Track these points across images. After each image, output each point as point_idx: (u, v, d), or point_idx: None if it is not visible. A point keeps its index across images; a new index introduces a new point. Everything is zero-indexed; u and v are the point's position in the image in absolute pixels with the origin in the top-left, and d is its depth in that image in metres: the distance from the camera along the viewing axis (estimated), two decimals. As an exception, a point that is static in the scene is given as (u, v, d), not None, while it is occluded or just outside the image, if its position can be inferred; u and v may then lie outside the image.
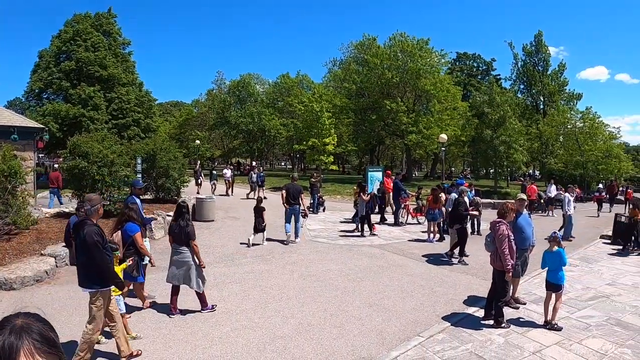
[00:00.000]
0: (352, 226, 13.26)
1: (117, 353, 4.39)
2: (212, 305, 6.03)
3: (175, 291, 5.88)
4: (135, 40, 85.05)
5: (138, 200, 6.87)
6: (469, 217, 10.06)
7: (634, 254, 10.79)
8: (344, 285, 7.43)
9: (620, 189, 25.51)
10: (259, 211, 10.25)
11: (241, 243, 10.59)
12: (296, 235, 10.97)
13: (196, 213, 13.25)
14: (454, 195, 10.41)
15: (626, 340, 5.54)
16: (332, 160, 27.33)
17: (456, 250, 9.49)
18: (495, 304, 5.79)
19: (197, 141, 41.77)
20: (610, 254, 10.80)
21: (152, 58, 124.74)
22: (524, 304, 6.77)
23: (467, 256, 9.49)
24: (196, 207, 13.52)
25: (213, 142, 53.67)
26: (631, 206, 11.58)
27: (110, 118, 29.21)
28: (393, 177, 14.95)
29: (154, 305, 6.10)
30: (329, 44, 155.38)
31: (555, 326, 5.76)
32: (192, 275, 5.78)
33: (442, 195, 11.67)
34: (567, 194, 12.80)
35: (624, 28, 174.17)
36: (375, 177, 15.29)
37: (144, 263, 5.73)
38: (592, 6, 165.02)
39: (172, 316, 5.76)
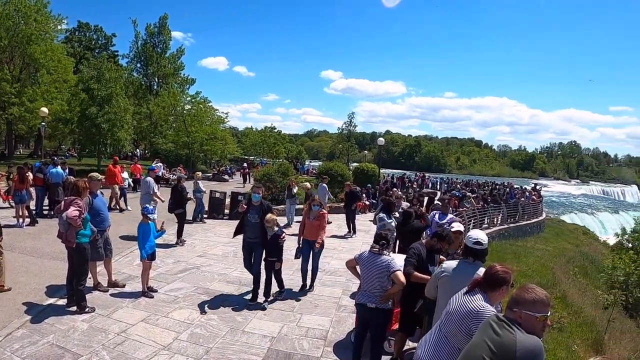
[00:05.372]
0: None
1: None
2: None
3: None
4: None
5: None
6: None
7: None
8: None
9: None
10: None
11: None
12: None
13: None
14: (148, 178, 10.37)
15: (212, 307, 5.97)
16: None
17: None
18: (76, 288, 5.41)
19: None
20: (205, 228, 11.86)
21: None
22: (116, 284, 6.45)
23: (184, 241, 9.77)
24: None
25: None
26: None
27: None
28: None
29: None
30: None
31: (147, 294, 6.11)
32: None
33: (30, 175, 11.10)
34: (197, 181, 12.77)
35: (243, 22, 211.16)
36: None
37: None
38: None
39: None
